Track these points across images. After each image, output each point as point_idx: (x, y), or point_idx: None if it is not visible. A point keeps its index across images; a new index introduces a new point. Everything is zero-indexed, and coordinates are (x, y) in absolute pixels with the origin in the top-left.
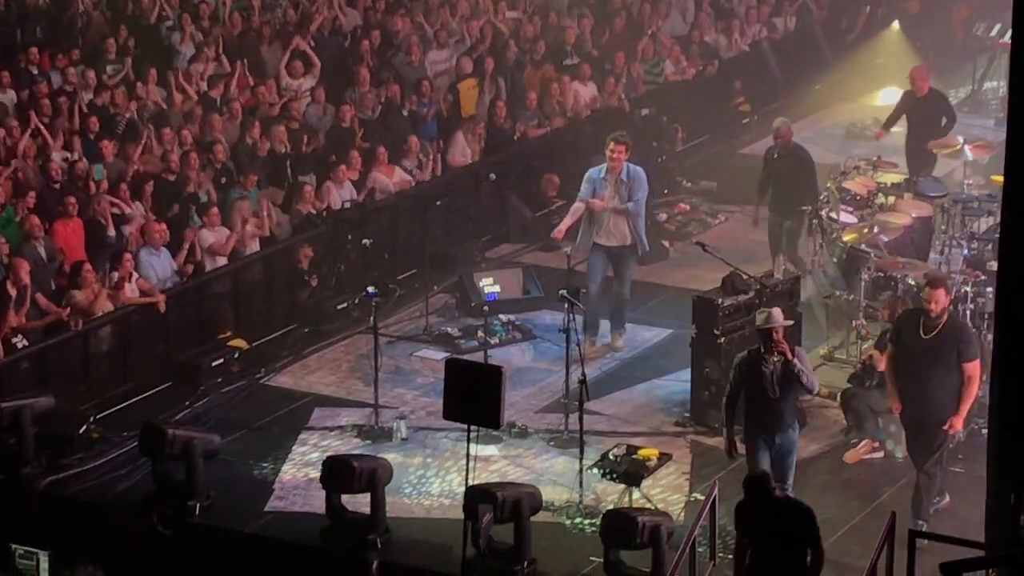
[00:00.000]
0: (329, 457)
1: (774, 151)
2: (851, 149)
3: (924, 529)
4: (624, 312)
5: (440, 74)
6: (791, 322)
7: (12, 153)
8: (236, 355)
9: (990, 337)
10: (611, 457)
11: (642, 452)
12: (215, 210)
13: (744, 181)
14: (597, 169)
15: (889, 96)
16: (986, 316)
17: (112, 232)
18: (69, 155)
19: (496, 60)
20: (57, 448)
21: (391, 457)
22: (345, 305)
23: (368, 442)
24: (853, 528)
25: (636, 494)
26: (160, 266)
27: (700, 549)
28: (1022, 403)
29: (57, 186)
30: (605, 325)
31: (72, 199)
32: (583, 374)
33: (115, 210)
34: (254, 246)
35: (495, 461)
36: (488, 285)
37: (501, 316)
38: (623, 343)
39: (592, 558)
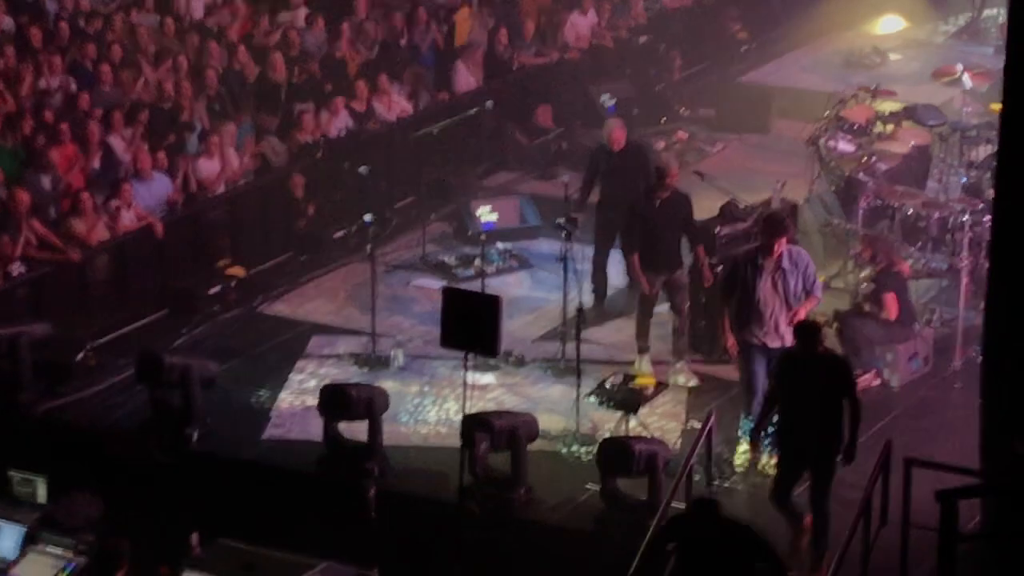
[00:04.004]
0: (326, 385)
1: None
2: (850, 77)
3: None
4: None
5: (439, 7)
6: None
7: (9, 80)
8: (233, 283)
9: (987, 264)
10: (608, 386)
11: (639, 380)
12: (215, 139)
13: (742, 109)
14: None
15: (888, 24)
16: (983, 244)
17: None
18: (64, 82)
19: None
20: (54, 375)
21: (388, 385)
22: (342, 233)
23: (365, 370)
24: None
25: (633, 422)
26: (148, 195)
27: (696, 477)
28: (1017, 331)
29: (52, 114)
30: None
31: (66, 126)
32: (580, 303)
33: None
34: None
35: (492, 389)
36: (485, 214)
37: (498, 245)
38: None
39: (588, 486)
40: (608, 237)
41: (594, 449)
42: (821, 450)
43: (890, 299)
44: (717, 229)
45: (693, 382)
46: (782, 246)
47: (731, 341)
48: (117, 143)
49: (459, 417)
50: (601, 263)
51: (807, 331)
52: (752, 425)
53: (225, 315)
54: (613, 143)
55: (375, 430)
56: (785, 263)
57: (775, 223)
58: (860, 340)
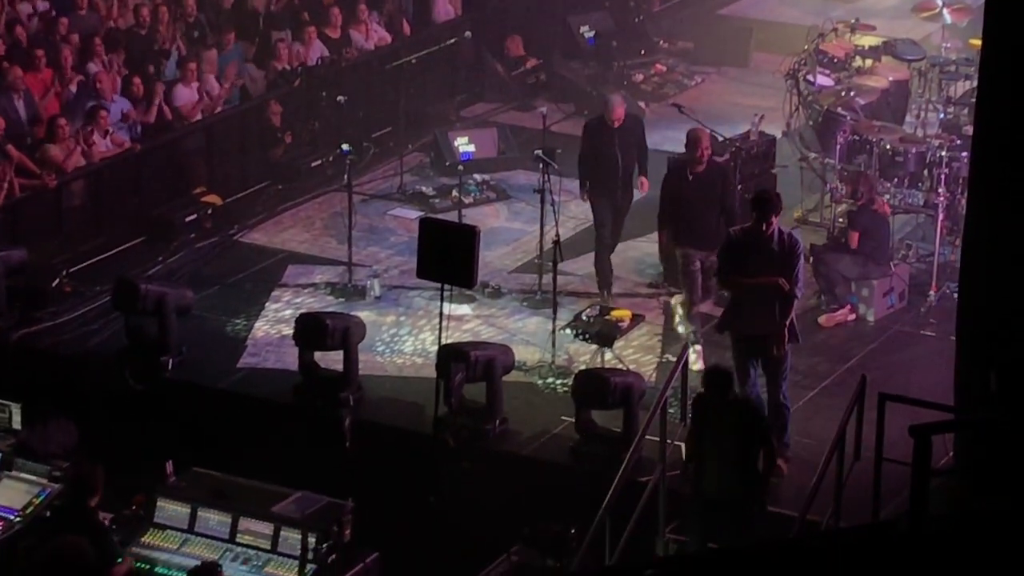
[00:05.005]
0: (302, 314)
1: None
2: (829, 11)
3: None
4: None
5: None
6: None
7: None
8: (209, 211)
9: (964, 201)
10: (584, 318)
11: (615, 313)
12: (192, 65)
13: (721, 42)
14: None
15: None
16: (961, 180)
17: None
18: (38, 4)
19: None
20: (30, 301)
21: (364, 315)
22: (319, 163)
23: (341, 300)
24: (823, 390)
25: (608, 355)
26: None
27: (671, 410)
28: (992, 267)
29: (25, 36)
30: None
31: (41, 52)
32: (557, 234)
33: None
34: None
35: (468, 320)
36: (463, 144)
37: (476, 176)
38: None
39: (564, 418)
40: (606, 216)
41: (569, 381)
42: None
43: (854, 238)
44: None
45: (699, 365)
46: (772, 226)
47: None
48: (95, 70)
49: (435, 348)
50: (603, 250)
51: (718, 378)
52: None
53: (201, 243)
54: (615, 119)
55: (351, 360)
56: (775, 245)
57: (764, 201)
58: (834, 276)
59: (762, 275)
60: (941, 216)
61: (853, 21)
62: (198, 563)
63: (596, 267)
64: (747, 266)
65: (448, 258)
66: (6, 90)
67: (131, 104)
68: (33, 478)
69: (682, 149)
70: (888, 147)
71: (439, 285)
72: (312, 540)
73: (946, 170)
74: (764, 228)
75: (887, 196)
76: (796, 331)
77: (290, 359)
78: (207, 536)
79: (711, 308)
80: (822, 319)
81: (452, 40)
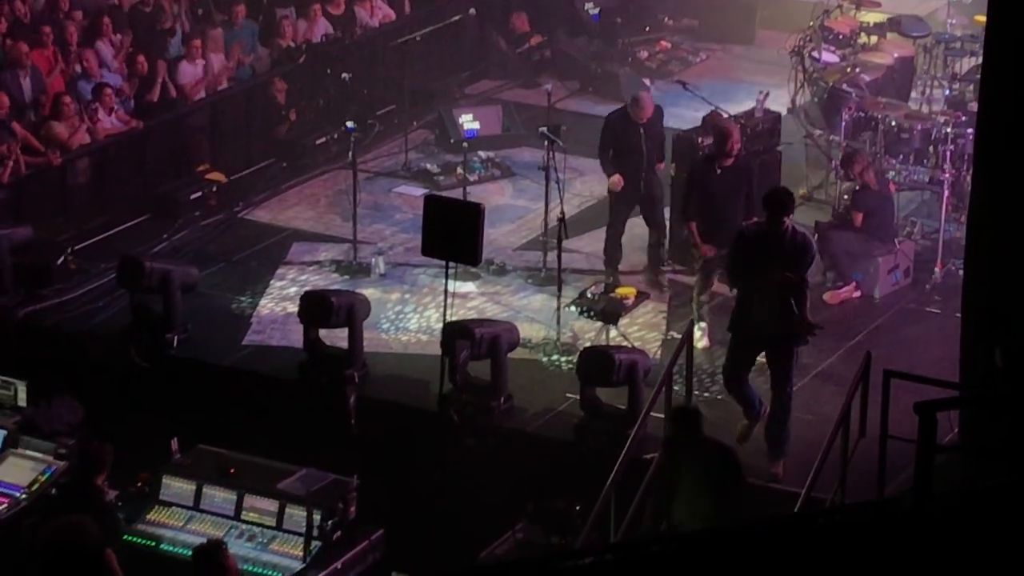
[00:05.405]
0: (307, 291)
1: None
2: None
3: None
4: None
5: None
6: None
7: None
8: (214, 188)
9: (969, 177)
10: (589, 295)
11: (620, 290)
12: (196, 42)
13: (726, 19)
14: None
15: None
16: (966, 157)
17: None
18: None
19: None
20: (35, 278)
21: (369, 293)
22: (324, 140)
23: (346, 277)
24: (828, 368)
25: (613, 332)
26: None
27: (676, 387)
28: (996, 244)
29: (28, 12)
30: None
31: (47, 29)
32: (562, 212)
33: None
34: (224, 82)
35: (473, 298)
36: (468, 121)
37: (480, 153)
38: None
39: (568, 395)
40: (625, 208)
41: (574, 358)
42: None
43: (857, 217)
44: (699, 140)
45: (704, 343)
46: (785, 225)
47: None
48: (104, 48)
49: (440, 325)
50: (616, 236)
51: (688, 417)
52: None
53: (206, 221)
54: (642, 115)
55: (355, 337)
56: (787, 244)
57: (777, 201)
58: (839, 253)
59: (772, 274)
60: (946, 193)
61: None
62: (203, 540)
63: (607, 253)
64: (758, 264)
65: (453, 235)
66: (11, 67)
67: (122, 80)
68: (39, 455)
69: (687, 126)
70: (893, 124)
71: (444, 262)
72: (317, 517)
73: (951, 147)
74: (777, 227)
75: (892, 173)
76: (803, 331)
77: (295, 336)
78: (212, 513)
79: (717, 285)
80: (827, 296)
81: (456, 17)
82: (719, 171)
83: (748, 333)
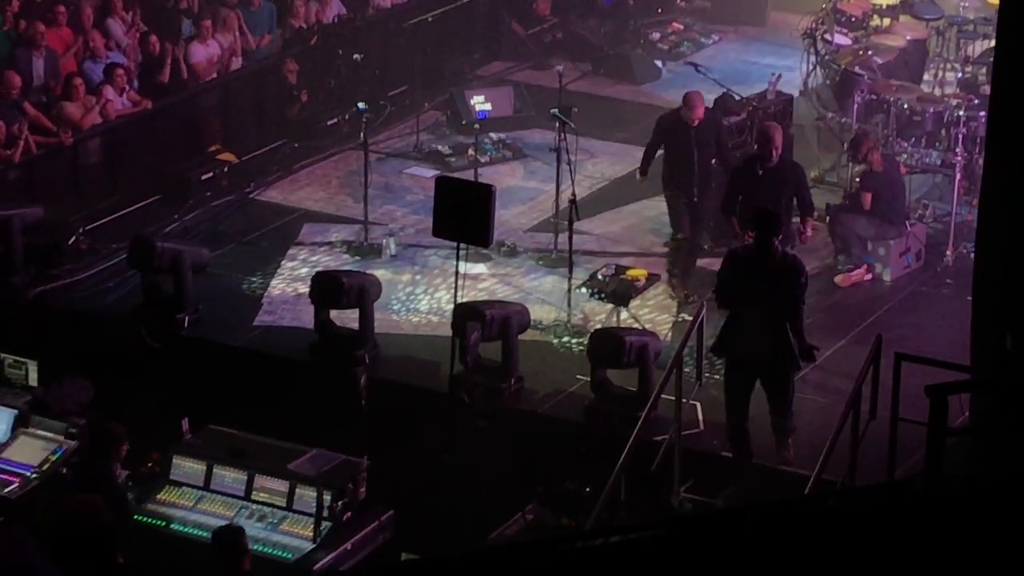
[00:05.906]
0: (318, 272)
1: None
2: None
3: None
4: None
5: None
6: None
7: None
8: (225, 169)
9: (981, 160)
10: (600, 277)
11: (631, 272)
12: (207, 23)
13: (738, 1)
14: None
15: None
16: (978, 140)
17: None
18: None
19: None
20: (46, 258)
21: (380, 274)
22: (335, 121)
23: (357, 258)
24: (839, 350)
25: (624, 314)
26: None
27: (687, 369)
28: (1008, 227)
29: None
30: None
31: (61, 8)
32: (573, 193)
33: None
34: (236, 63)
35: (484, 279)
36: (479, 103)
37: (492, 134)
38: None
39: (579, 376)
40: (681, 214)
41: (585, 340)
42: None
43: (866, 199)
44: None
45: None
46: (774, 246)
47: None
48: (115, 26)
49: (451, 306)
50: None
51: (653, 481)
52: None
53: (217, 201)
54: (692, 116)
55: (366, 318)
56: (776, 266)
57: (764, 222)
58: (850, 235)
59: (761, 296)
60: (958, 176)
61: None
62: (215, 521)
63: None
64: (746, 285)
65: (464, 217)
66: (26, 46)
67: (126, 59)
68: (49, 435)
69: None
70: (906, 106)
71: (455, 244)
72: (327, 498)
73: (963, 130)
74: (767, 248)
75: (904, 156)
76: (797, 356)
77: (306, 317)
78: (223, 494)
79: (708, 262)
80: (838, 279)
81: None
82: (762, 172)
83: (737, 357)
